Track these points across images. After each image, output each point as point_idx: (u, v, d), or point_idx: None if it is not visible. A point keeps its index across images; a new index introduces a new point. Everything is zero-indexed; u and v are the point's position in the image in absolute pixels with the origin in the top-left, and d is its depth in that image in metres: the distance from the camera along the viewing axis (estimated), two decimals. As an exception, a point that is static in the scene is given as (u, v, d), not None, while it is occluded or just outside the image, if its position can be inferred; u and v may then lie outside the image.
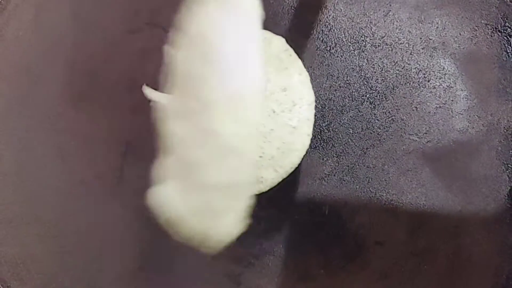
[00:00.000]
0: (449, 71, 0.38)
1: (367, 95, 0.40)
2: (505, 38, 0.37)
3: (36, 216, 0.41)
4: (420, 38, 0.39)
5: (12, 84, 0.41)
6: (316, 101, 0.38)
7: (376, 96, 0.40)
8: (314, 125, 0.36)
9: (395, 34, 0.39)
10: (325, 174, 0.39)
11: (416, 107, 0.39)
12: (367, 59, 0.40)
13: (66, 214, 0.41)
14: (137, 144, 0.41)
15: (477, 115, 0.38)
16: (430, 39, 0.39)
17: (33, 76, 0.41)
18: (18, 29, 0.41)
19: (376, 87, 0.40)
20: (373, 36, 0.40)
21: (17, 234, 0.40)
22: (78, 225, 0.40)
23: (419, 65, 0.39)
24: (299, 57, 0.36)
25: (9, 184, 0.41)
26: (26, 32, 0.41)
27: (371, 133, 0.39)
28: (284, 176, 0.36)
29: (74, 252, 0.40)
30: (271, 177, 0.36)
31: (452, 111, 0.38)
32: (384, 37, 0.39)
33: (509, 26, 0.37)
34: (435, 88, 0.39)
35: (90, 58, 0.41)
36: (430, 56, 0.38)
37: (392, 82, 0.39)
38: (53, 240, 0.40)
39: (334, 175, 0.39)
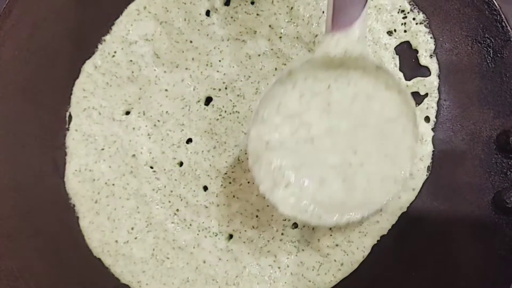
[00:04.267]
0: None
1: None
2: (484, 49, 0.37)
3: (35, 230, 0.41)
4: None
5: (9, 102, 0.42)
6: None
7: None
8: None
9: (378, 47, 0.40)
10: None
11: (400, 118, 0.39)
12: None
13: (64, 227, 0.41)
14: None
15: (460, 124, 0.38)
16: (412, 51, 0.39)
17: (30, 94, 0.42)
18: (14, 49, 0.42)
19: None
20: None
21: (15, 248, 0.41)
22: (76, 239, 0.41)
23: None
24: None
25: (8, 199, 0.41)
26: (22, 51, 0.42)
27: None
28: None
29: (73, 266, 0.41)
30: None
31: (435, 121, 0.39)
32: (367, 49, 0.39)
33: (488, 37, 0.37)
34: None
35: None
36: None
37: (376, 93, 0.39)
38: (52, 253, 0.41)
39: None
